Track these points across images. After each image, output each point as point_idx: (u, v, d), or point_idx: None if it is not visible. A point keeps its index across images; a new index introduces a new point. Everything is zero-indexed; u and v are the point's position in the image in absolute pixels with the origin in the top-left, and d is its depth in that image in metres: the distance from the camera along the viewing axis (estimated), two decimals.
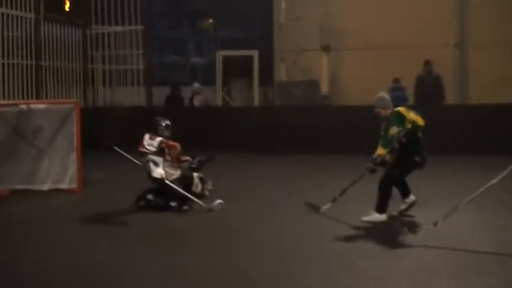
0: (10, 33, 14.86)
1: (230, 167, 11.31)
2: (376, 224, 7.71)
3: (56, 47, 16.36)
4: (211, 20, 55.99)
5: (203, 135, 14.87)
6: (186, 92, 18.95)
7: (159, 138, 9.01)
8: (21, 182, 10.41)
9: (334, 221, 7.99)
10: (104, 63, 18.19)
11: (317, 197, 8.73)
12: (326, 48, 23.17)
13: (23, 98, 14.84)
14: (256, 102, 19.70)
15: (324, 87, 22.94)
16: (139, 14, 17.91)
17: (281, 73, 29.10)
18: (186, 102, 18.38)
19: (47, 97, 15.72)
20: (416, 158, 7.83)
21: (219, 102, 19.28)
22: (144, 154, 8.99)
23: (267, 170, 12.95)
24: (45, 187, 10.41)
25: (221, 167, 10.33)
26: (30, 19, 15.36)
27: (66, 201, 9.88)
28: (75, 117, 10.41)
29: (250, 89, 21.98)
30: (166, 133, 9.14)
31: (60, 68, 16.57)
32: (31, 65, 15.46)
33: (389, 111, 7.98)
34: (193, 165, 9.55)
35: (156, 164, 8.84)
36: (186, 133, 15.30)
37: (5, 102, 13.48)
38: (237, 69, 23.66)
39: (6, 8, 14.54)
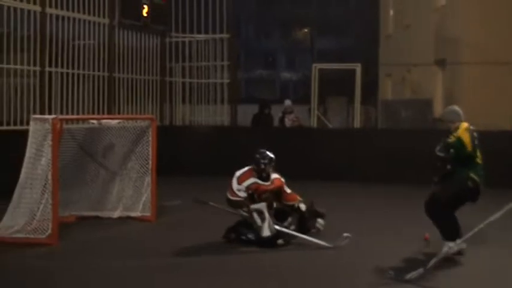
0: (82, 41, 15.24)
1: (327, 197, 11.24)
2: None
3: (130, 57, 16.67)
4: (306, 30, 56.33)
5: (295, 161, 14.84)
6: (275, 111, 19.06)
7: (247, 182, 9.05)
8: (89, 208, 10.68)
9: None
10: (183, 76, 18.42)
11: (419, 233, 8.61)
12: (441, 63, 22.82)
13: (93, 114, 15.18)
14: (357, 123, 19.56)
15: (438, 108, 22.56)
16: (226, 20, 18.05)
17: (387, 91, 28.87)
18: (276, 122, 18.48)
19: (119, 113, 15.94)
20: (469, 183, 8.03)
21: (313, 123, 19.23)
22: (236, 203, 9.01)
23: (368, 201, 12.81)
24: (115, 214, 10.63)
25: (318, 196, 10.28)
26: (104, 25, 15.75)
27: (138, 230, 10.04)
28: (151, 136, 10.60)
29: (350, 108, 21.88)
30: (269, 168, 9.22)
31: (135, 81, 16.87)
32: (103, 76, 15.81)
33: (457, 125, 8.28)
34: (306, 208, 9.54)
35: (261, 214, 8.84)
36: (277, 158, 15.40)
37: (74, 116, 13.88)
38: (335, 86, 23.62)
39: (78, 12, 14.93)
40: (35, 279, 7.33)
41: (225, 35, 18.14)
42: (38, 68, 13.93)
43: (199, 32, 18.15)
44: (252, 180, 9.07)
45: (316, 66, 19.56)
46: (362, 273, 7.57)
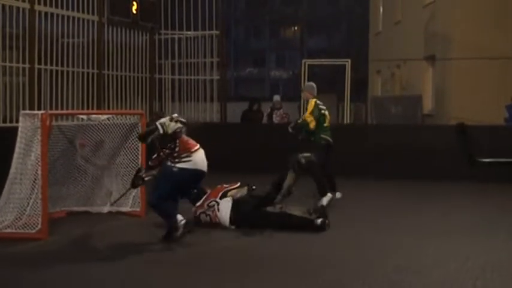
0: (71, 38, 15.27)
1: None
2: None
3: (120, 54, 16.67)
4: (296, 28, 56.43)
5: (283, 157, 14.86)
6: (264, 108, 19.12)
7: None
8: (79, 204, 10.73)
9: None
10: (173, 73, 18.42)
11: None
12: (431, 59, 22.96)
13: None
14: (347, 120, 19.64)
15: (427, 104, 22.69)
16: (215, 17, 18.05)
17: (376, 87, 29.00)
18: (265, 118, 18.55)
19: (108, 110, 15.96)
20: (323, 142, 11.51)
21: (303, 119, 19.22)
22: None
23: (357, 196, 12.85)
24: (105, 209, 10.67)
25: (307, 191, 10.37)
26: (93, 22, 15.76)
27: (127, 225, 10.07)
28: (140, 131, 10.61)
29: (340, 106, 21.95)
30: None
31: (124, 78, 16.87)
32: (92, 73, 15.82)
33: (310, 97, 11.74)
34: None
35: None
36: (264, 154, 15.44)
37: (64, 111, 13.92)
38: (325, 83, 23.64)
39: (67, 9, 14.95)
40: (25, 273, 7.35)
41: (214, 32, 18.16)
42: (27, 66, 13.96)
43: (188, 29, 18.16)
44: None
45: (306, 62, 19.60)
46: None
